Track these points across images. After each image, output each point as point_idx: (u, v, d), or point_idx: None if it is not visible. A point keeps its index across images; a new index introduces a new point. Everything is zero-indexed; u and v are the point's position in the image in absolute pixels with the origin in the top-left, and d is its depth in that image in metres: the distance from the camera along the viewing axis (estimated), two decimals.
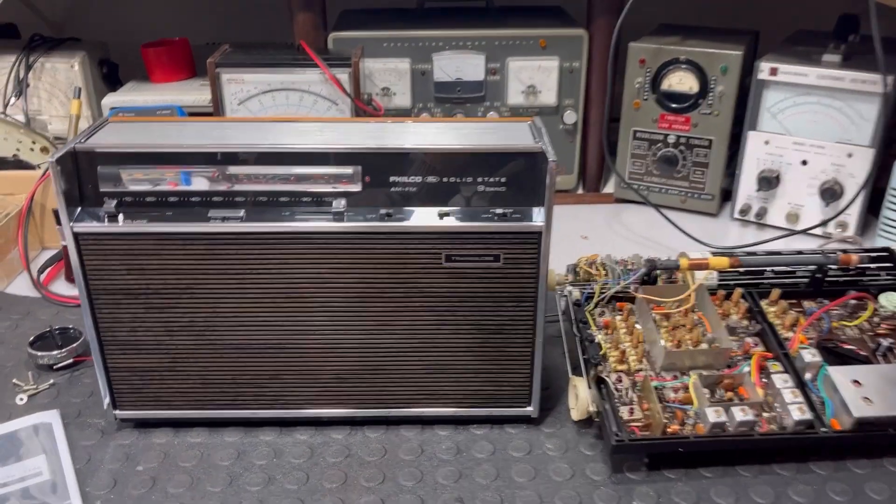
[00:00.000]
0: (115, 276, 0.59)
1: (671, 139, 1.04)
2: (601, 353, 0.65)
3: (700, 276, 0.72)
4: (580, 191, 1.16)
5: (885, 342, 0.67)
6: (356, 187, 0.58)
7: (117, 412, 0.64)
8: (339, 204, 0.58)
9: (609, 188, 1.15)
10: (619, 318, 0.69)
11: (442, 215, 0.58)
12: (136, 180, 0.58)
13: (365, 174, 0.58)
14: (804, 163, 0.97)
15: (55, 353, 0.72)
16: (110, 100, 1.02)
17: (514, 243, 0.59)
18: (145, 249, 0.58)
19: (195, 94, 1.02)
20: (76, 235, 0.58)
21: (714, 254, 0.74)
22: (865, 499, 0.59)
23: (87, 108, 1.05)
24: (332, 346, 0.62)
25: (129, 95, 1.03)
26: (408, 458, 0.63)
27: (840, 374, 0.62)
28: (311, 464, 0.62)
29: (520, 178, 0.58)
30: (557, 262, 0.74)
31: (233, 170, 0.57)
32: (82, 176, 0.58)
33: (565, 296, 0.71)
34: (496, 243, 0.59)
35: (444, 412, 0.65)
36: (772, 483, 0.60)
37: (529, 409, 0.65)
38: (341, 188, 0.58)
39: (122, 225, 0.58)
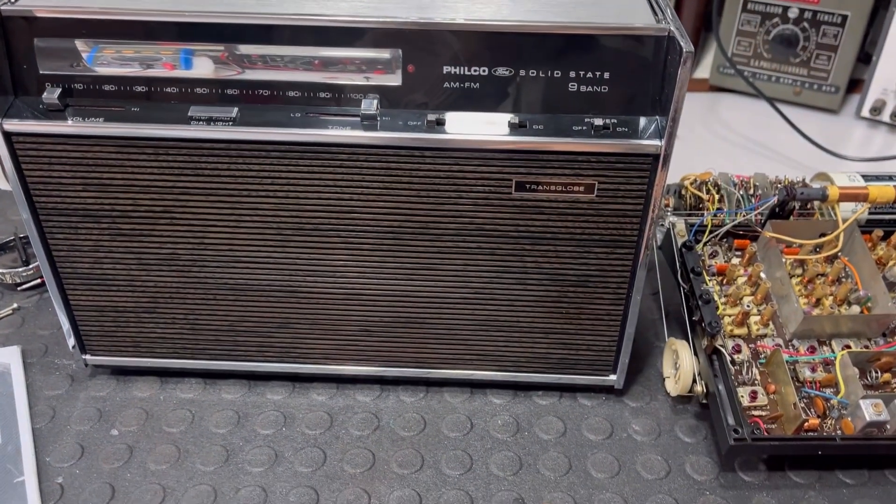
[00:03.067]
0: (68, 192, 0.44)
1: (792, 13, 0.82)
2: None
3: (845, 207, 0.54)
4: None
5: None
6: (394, 80, 0.41)
7: (87, 357, 0.51)
8: (371, 104, 0.41)
9: (703, 72, 0.94)
10: (736, 261, 0.53)
11: (514, 125, 0.41)
12: (102, 60, 0.41)
13: (407, 61, 0.40)
14: None
15: (20, 269, 0.59)
16: None
17: (617, 169, 0.41)
18: (105, 159, 0.42)
19: None
20: (7, 135, 0.42)
21: (867, 178, 0.56)
22: None
23: None
24: (358, 292, 0.47)
25: None
26: (453, 436, 0.49)
27: None
28: (331, 437, 0.49)
29: (630, 74, 0.40)
30: None
31: (243, 49, 0.40)
32: (13, 52, 0.41)
33: (665, 227, 0.54)
34: (590, 168, 0.42)
35: (500, 376, 0.51)
36: None
37: (612, 378, 0.50)
38: (374, 81, 0.41)
39: (70, 124, 0.41)
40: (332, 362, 0.50)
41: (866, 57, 0.83)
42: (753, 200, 0.55)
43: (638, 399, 0.51)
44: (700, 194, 0.55)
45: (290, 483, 0.46)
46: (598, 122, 0.41)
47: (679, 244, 0.51)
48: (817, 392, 0.46)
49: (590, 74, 0.40)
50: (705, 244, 0.53)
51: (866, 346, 0.49)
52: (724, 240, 0.54)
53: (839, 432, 0.45)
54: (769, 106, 0.79)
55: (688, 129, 0.84)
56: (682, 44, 0.37)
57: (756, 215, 0.53)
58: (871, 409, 0.44)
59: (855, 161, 0.74)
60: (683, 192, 0.56)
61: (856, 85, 0.87)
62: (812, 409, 0.46)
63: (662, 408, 0.51)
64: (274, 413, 0.50)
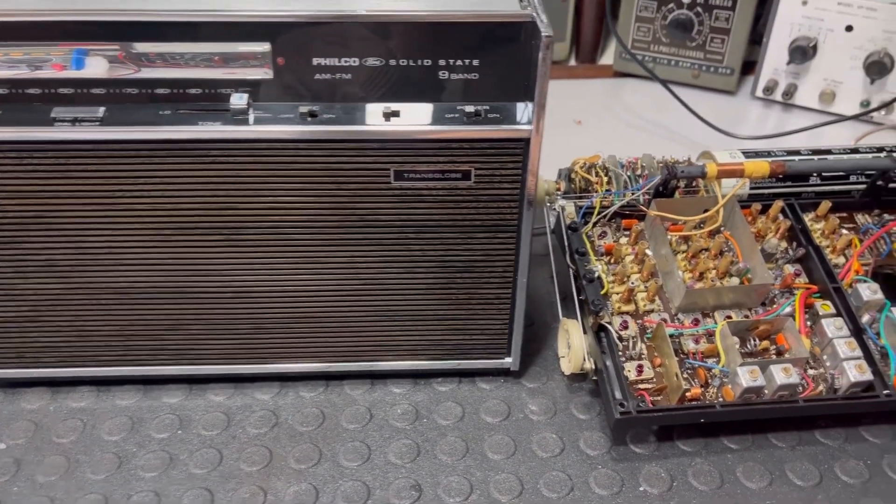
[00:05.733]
0: None
1: None
2: (602, 292, 0.50)
3: (728, 183, 0.56)
4: (573, 62, 0.97)
5: None
6: (265, 73, 0.41)
7: None
8: (241, 98, 0.41)
9: (608, 59, 0.96)
10: (624, 241, 0.54)
11: (388, 115, 0.41)
12: None
13: (277, 54, 0.40)
14: (849, 28, 0.79)
15: None
16: None
17: (491, 154, 0.42)
18: None
19: None
20: None
21: (747, 154, 0.58)
22: None
23: None
24: (246, 290, 0.46)
25: None
26: (352, 428, 0.49)
27: None
28: (227, 437, 0.48)
29: (499, 61, 0.41)
30: (544, 159, 0.58)
31: (105, 46, 0.39)
32: None
33: (556, 211, 0.56)
34: (465, 155, 0.42)
35: (399, 366, 0.51)
36: (814, 457, 0.47)
37: (508, 360, 0.51)
38: (244, 74, 0.41)
39: None
40: (228, 362, 0.50)
41: (758, 39, 0.86)
42: (641, 181, 0.56)
43: (535, 380, 0.52)
44: (589, 177, 0.56)
45: (185, 486, 0.45)
46: (470, 108, 0.41)
47: (565, 226, 0.52)
48: (699, 363, 0.48)
49: (459, 62, 0.41)
50: (594, 225, 0.54)
51: (746, 316, 0.50)
52: (613, 220, 0.55)
53: (721, 399, 0.47)
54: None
55: (592, 115, 0.85)
56: (542, 29, 0.38)
57: (643, 195, 0.55)
58: (747, 376, 0.45)
59: (746, 139, 0.77)
60: (573, 175, 0.57)
61: (751, 66, 0.90)
62: (695, 380, 0.47)
63: (559, 387, 0.52)
64: (169, 416, 0.49)
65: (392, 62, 0.41)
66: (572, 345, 0.49)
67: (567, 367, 0.51)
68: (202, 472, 0.46)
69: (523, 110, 0.41)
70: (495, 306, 0.48)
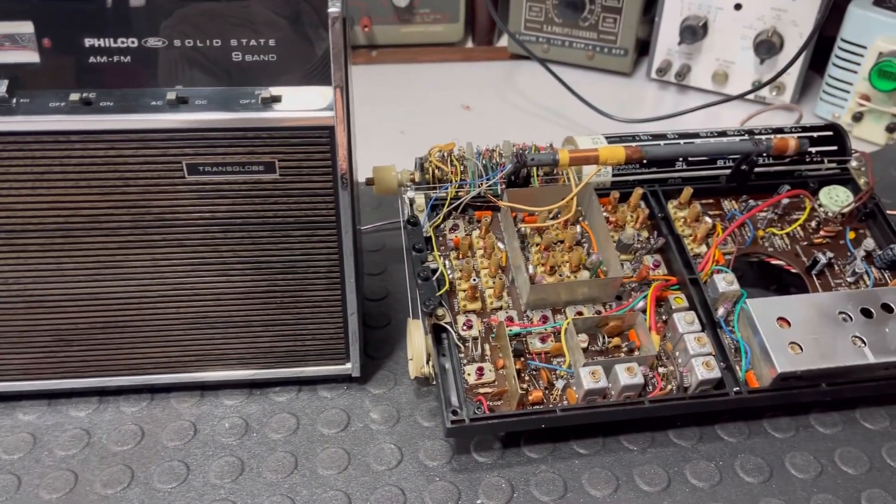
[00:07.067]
0: None
1: None
2: (440, 291, 0.46)
3: (590, 170, 0.53)
4: (469, 44, 0.93)
5: (823, 257, 0.51)
6: (29, 56, 0.36)
7: None
8: (0, 86, 0.36)
9: (504, 41, 0.93)
10: (475, 234, 0.50)
11: (175, 102, 0.37)
12: None
13: (41, 35, 0.36)
14: (738, 7, 0.77)
15: None
16: None
17: (295, 144, 0.38)
18: None
19: None
20: None
21: (611, 140, 0.55)
22: (786, 478, 0.44)
23: None
24: (38, 299, 0.42)
25: None
26: (172, 446, 0.45)
27: (762, 310, 0.46)
28: (31, 460, 0.44)
29: (296, 41, 0.37)
30: (419, 148, 0.54)
31: None
32: None
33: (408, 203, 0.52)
34: (265, 145, 0.38)
35: (230, 376, 0.47)
36: (665, 460, 0.45)
37: (347, 366, 0.47)
38: (3, 59, 0.36)
39: None
40: (33, 377, 0.45)
41: (652, 19, 0.84)
42: (498, 170, 0.53)
43: (382, 385, 0.49)
44: (444, 167, 0.53)
45: None
46: (267, 93, 0.37)
47: (403, 220, 0.49)
48: (542, 364, 0.45)
49: (253, 42, 0.37)
50: (447, 218, 0.51)
51: (599, 312, 0.48)
52: (467, 212, 0.52)
53: (564, 403, 0.44)
54: (565, 72, 0.78)
55: (482, 102, 0.82)
56: (330, 5, 0.34)
57: (500, 184, 0.52)
58: (589, 377, 0.42)
59: (629, 122, 0.74)
60: (427, 165, 0.53)
61: (648, 47, 0.88)
62: (539, 382, 0.44)
63: (406, 393, 0.48)
64: None
65: (177, 42, 0.36)
66: (414, 347, 0.46)
67: (412, 369, 0.47)
68: None
69: (323, 95, 0.37)
70: (325, 308, 0.44)
